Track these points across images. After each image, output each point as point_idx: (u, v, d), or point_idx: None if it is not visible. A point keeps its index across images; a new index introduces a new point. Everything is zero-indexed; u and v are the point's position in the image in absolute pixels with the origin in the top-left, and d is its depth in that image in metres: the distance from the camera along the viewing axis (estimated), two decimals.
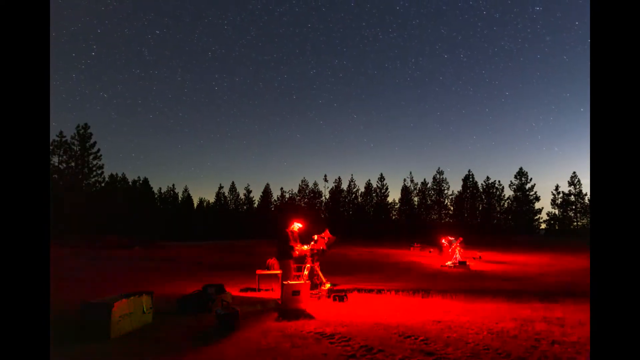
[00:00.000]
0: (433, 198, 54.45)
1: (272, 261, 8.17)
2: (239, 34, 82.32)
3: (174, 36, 79.34)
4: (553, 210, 50.52)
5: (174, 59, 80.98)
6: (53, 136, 37.24)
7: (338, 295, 6.77)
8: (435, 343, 4.05)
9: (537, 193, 51.08)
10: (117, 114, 78.50)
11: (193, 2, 79.06)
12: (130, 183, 52.65)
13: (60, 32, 70.81)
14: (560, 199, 50.16)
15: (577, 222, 49.63)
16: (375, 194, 55.47)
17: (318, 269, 7.60)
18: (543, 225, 51.24)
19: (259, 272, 8.11)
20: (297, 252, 7.43)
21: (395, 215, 55.63)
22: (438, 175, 54.51)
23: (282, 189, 69.80)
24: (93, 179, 38.64)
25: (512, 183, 52.02)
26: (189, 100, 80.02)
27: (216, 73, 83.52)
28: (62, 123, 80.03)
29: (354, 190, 55.87)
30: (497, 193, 53.47)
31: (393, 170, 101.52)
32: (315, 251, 7.56)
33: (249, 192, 59.63)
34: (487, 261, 16.32)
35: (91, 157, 38.24)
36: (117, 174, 50.94)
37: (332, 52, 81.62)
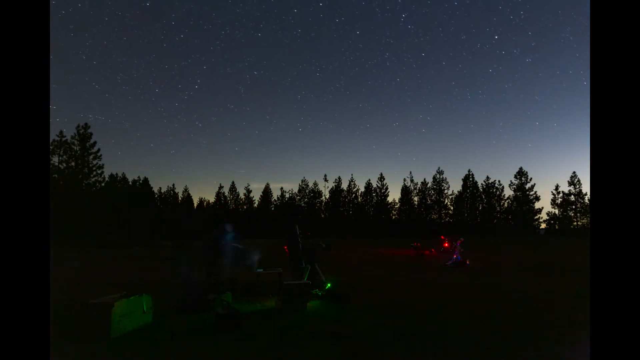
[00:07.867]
0: (433, 198, 54.48)
1: None
2: (329, 81, 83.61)
3: (269, 77, 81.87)
4: (553, 210, 50.62)
5: (265, 98, 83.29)
6: (53, 136, 37.25)
7: (340, 295, 6.77)
8: None
9: (537, 193, 51.20)
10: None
11: (292, 48, 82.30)
12: (130, 183, 52.68)
13: (172, 66, 79.65)
14: (560, 199, 50.19)
15: (577, 222, 49.64)
16: (375, 194, 55.47)
17: (318, 269, 7.61)
18: (543, 225, 51.33)
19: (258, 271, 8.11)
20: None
21: (395, 215, 55.66)
22: (438, 175, 54.57)
23: (282, 188, 70.01)
24: (93, 179, 38.60)
25: (512, 183, 52.07)
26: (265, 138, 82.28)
27: (302, 115, 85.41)
28: (62, 123, 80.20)
29: (354, 190, 55.90)
30: (497, 193, 53.52)
31: (393, 170, 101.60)
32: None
33: (249, 192, 59.70)
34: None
35: (91, 157, 38.21)
36: (117, 174, 51.04)
37: (418, 106, 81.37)
